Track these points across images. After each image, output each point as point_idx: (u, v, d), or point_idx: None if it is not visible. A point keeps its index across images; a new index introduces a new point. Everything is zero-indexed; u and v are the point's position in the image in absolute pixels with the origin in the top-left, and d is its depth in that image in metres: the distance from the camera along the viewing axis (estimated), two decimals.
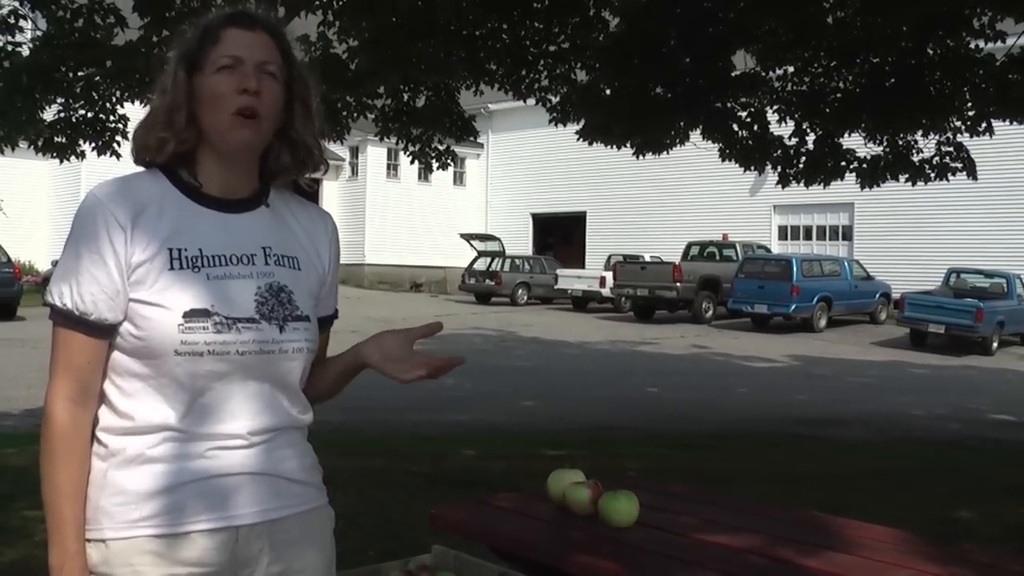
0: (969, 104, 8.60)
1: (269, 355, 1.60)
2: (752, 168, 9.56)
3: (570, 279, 29.18)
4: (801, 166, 9.25)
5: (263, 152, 1.69)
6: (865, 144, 9.12)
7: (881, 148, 9.06)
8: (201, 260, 1.59)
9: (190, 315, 1.54)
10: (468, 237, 32.25)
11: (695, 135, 9.38)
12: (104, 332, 1.56)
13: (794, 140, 9.22)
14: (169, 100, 1.61)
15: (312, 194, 1.81)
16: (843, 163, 9.19)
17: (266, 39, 1.64)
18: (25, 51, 8.11)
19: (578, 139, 9.48)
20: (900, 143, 9.01)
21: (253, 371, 1.60)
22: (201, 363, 1.55)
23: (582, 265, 32.34)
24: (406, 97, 9.91)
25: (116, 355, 1.58)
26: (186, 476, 1.56)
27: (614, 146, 9.62)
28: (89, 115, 8.64)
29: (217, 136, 1.62)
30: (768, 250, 28.02)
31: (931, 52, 8.49)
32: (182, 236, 1.59)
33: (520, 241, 35.41)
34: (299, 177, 1.74)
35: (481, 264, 31.33)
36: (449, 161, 10.86)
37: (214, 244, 1.61)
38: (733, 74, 8.83)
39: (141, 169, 1.66)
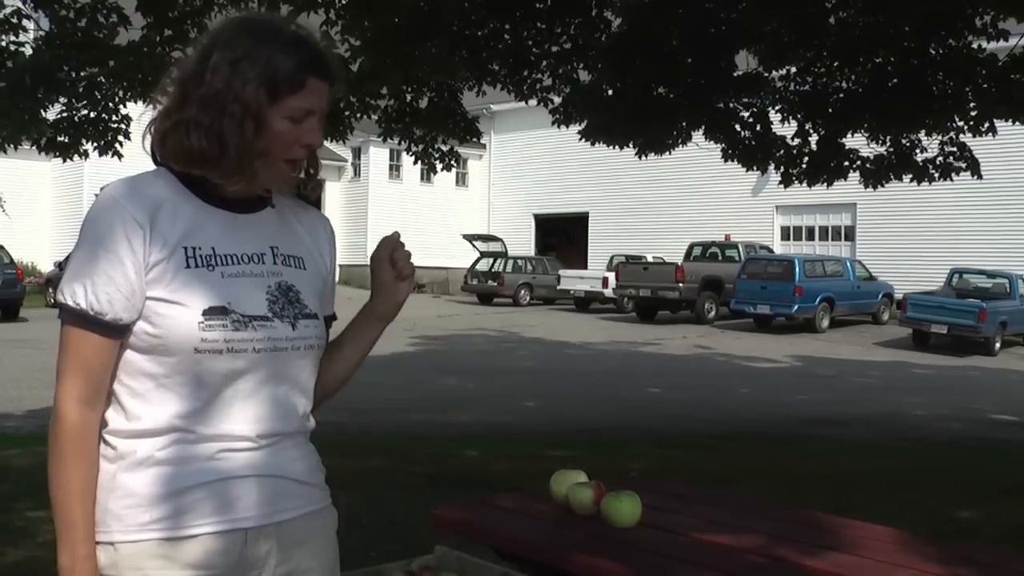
0: (972, 104, 8.59)
1: (283, 352, 1.61)
2: (755, 168, 9.56)
3: (572, 280, 29.17)
4: (804, 166, 9.24)
5: None
6: (868, 144, 9.12)
7: (884, 148, 9.05)
8: (214, 259, 1.59)
9: (209, 312, 1.54)
10: (470, 238, 32.26)
11: (697, 135, 9.37)
12: (118, 332, 1.55)
13: (797, 140, 9.21)
14: (236, 125, 1.56)
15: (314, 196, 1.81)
16: (846, 163, 9.17)
17: (328, 88, 1.63)
18: (28, 51, 8.12)
19: (580, 140, 9.47)
20: (903, 143, 9.00)
21: (268, 370, 1.60)
22: (219, 361, 1.55)
23: (584, 266, 32.35)
24: (409, 98, 9.92)
25: (128, 355, 1.57)
26: (195, 478, 1.56)
27: (616, 146, 9.61)
28: (92, 115, 8.66)
29: (257, 171, 1.61)
30: (770, 250, 27.99)
31: (933, 52, 8.48)
32: (195, 235, 1.59)
33: (522, 242, 35.42)
34: (306, 188, 1.75)
35: (483, 265, 31.34)
36: (453, 162, 10.86)
37: (226, 243, 1.61)
38: (735, 74, 8.82)
39: (152, 167, 1.65)
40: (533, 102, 9.55)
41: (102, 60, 8.20)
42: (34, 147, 8.97)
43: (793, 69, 9.11)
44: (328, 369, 1.79)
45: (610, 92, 9.15)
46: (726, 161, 9.55)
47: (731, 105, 9.05)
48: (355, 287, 32.16)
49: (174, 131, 1.59)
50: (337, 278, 1.86)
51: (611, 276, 26.98)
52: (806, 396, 13.36)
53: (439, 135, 10.48)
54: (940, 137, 8.99)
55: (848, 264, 25.18)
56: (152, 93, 1.68)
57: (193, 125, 1.56)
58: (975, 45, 8.44)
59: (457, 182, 36.53)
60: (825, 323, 23.42)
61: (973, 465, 8.25)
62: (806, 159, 9.22)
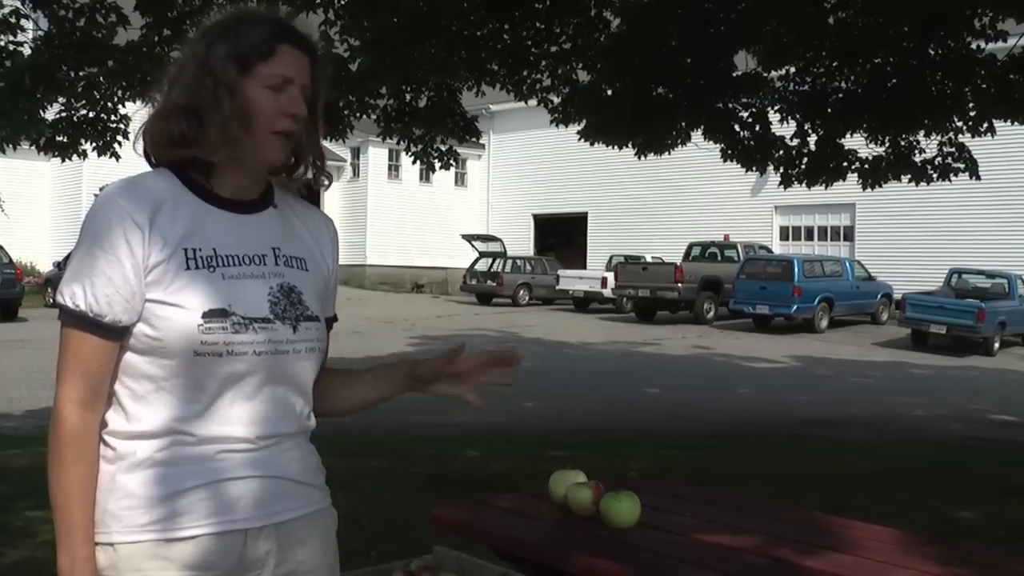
0: (971, 104, 8.60)
1: (284, 355, 1.60)
2: (754, 169, 9.57)
3: (572, 280, 29.16)
4: (803, 167, 9.25)
5: None
6: (867, 144, 9.12)
7: (883, 149, 9.06)
8: (215, 260, 1.58)
9: (209, 315, 1.53)
10: (469, 238, 32.25)
11: (697, 135, 9.37)
12: (118, 334, 1.54)
13: (796, 141, 9.21)
14: (210, 95, 1.56)
15: (313, 194, 1.81)
16: (845, 164, 9.18)
17: (308, 61, 1.63)
18: (27, 51, 8.11)
19: (579, 140, 9.47)
20: (902, 144, 9.01)
21: (268, 372, 1.59)
22: (219, 364, 1.54)
23: (583, 266, 32.33)
24: (408, 98, 9.92)
25: (128, 356, 1.56)
26: (194, 480, 1.55)
27: (615, 146, 9.61)
28: (91, 115, 8.65)
29: (248, 149, 1.60)
30: (770, 251, 27.99)
31: (932, 53, 8.49)
32: (196, 236, 1.58)
33: (521, 242, 35.39)
34: (316, 183, 1.75)
35: (482, 265, 31.33)
36: (452, 161, 10.86)
37: (227, 244, 1.60)
38: (735, 74, 8.83)
39: (149, 169, 1.64)
40: (532, 102, 9.56)
41: (101, 60, 8.20)
42: (33, 147, 8.97)
43: (792, 69, 9.11)
44: (337, 399, 1.80)
45: (609, 92, 9.15)
46: (725, 161, 9.55)
47: (730, 105, 9.05)
48: (353, 287, 32.21)
49: (158, 121, 1.60)
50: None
51: (610, 276, 26.97)
52: (805, 396, 13.36)
53: (438, 135, 10.48)
54: (939, 138, 9.00)
55: (847, 264, 25.19)
56: (150, 93, 1.69)
57: (174, 109, 1.58)
58: (974, 46, 8.44)
59: (456, 182, 36.51)
60: (824, 323, 23.42)
61: (973, 465, 8.26)
62: (805, 160, 9.23)
